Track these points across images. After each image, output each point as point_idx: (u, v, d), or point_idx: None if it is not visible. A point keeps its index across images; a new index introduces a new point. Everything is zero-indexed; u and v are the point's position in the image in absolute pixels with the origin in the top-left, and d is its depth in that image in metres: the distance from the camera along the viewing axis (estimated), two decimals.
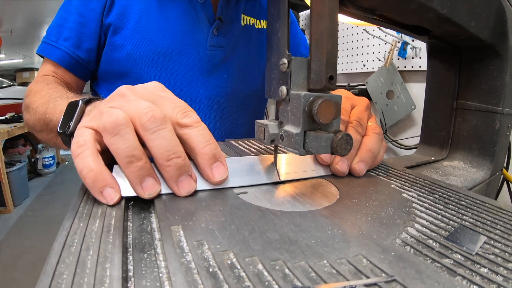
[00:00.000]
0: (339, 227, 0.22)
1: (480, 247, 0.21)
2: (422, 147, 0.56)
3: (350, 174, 0.33)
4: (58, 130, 0.33)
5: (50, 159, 3.02)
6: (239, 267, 0.16)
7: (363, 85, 1.15)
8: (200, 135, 0.25)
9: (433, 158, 0.50)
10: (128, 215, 0.23)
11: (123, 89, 0.27)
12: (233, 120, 0.67)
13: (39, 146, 3.00)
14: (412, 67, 0.92)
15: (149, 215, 0.23)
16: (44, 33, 0.56)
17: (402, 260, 0.19)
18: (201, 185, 0.25)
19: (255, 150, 0.44)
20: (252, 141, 0.51)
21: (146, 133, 0.23)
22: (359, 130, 0.33)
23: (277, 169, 0.30)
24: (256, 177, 0.28)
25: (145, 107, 0.24)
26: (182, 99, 0.67)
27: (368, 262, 0.18)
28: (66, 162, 3.44)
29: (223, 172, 0.25)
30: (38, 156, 2.95)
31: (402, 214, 0.25)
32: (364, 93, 1.15)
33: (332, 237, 0.21)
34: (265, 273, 0.16)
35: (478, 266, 0.19)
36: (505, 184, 0.53)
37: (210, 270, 0.16)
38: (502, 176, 0.48)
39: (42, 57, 0.55)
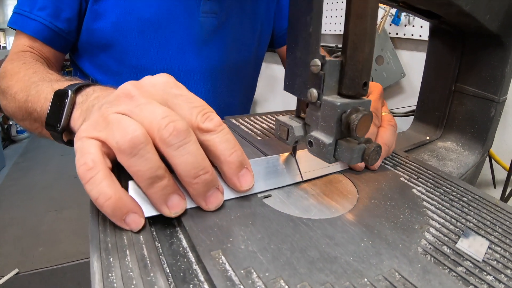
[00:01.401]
0: (369, 237, 0.23)
1: (485, 252, 0.23)
2: (416, 124, 0.57)
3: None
4: (46, 126, 0.30)
5: None
6: None
7: None
8: (225, 142, 0.23)
9: (428, 137, 0.52)
10: (152, 231, 0.22)
11: (129, 88, 0.23)
12: (228, 91, 0.64)
13: None
14: (404, 34, 0.90)
15: (175, 230, 0.22)
16: None
17: (427, 272, 0.21)
18: (227, 194, 0.25)
19: (259, 132, 0.43)
20: (252, 118, 0.49)
21: (168, 149, 0.21)
22: (376, 121, 0.33)
23: (299, 168, 0.29)
24: (279, 179, 0.28)
25: (162, 116, 0.21)
26: (174, 72, 0.61)
27: (400, 276, 0.20)
28: None
29: (250, 180, 0.25)
30: (10, 122, 2.70)
31: (417, 216, 0.26)
32: None
33: (366, 250, 0.22)
34: None
35: (485, 273, 0.21)
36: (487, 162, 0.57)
37: None
38: (487, 155, 0.51)
39: (15, 30, 0.47)
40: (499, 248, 0.24)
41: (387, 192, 0.30)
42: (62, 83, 0.33)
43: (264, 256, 0.20)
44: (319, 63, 0.23)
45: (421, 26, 0.86)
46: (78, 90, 0.30)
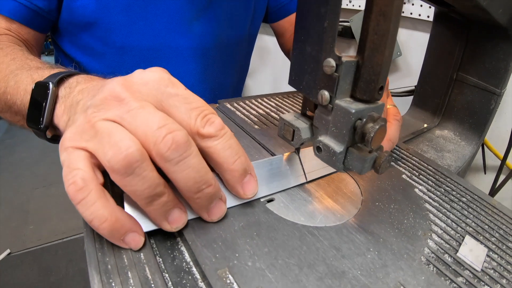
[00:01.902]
0: (374, 246, 0.23)
1: (484, 261, 0.24)
2: (414, 110, 0.57)
3: None
4: (28, 123, 0.27)
5: None
6: None
7: (347, 21, 1.08)
8: (228, 148, 0.21)
9: (425, 125, 0.52)
10: (151, 244, 0.21)
11: (118, 89, 0.20)
12: (220, 71, 0.60)
13: None
14: (403, 12, 0.86)
15: (176, 242, 0.21)
16: None
17: (430, 284, 0.21)
18: (229, 202, 0.23)
19: (255, 119, 0.41)
20: (247, 102, 0.47)
21: (167, 165, 0.19)
22: None
23: (303, 168, 0.28)
24: (282, 182, 0.27)
25: (158, 125, 0.18)
26: (162, 51, 0.57)
27: None
28: None
29: (254, 187, 0.23)
30: None
31: (420, 221, 0.26)
32: (347, 30, 1.10)
33: (372, 262, 0.21)
34: None
35: (482, 283, 0.22)
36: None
37: None
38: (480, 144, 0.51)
39: None
40: (496, 256, 0.25)
41: (390, 193, 0.29)
42: (43, 72, 0.29)
43: (273, 274, 0.19)
44: (334, 64, 0.21)
45: (421, 6, 0.82)
46: (60, 81, 0.27)
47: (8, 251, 1.06)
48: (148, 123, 0.18)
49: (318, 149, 0.24)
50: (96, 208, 0.18)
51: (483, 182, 0.61)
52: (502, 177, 0.50)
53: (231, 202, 0.23)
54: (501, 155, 0.53)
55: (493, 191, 0.50)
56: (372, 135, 0.20)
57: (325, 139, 0.23)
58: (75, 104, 0.24)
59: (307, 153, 0.29)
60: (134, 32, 0.47)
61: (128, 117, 0.19)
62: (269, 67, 1.42)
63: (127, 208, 0.20)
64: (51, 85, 0.25)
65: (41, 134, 0.27)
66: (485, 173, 0.58)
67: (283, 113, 0.45)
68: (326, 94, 0.22)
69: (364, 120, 0.20)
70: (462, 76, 0.47)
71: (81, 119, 0.20)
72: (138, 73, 0.22)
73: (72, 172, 0.18)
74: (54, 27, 0.48)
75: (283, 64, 1.20)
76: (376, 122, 0.20)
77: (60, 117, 0.25)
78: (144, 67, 0.22)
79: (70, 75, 0.27)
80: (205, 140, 0.21)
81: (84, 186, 0.18)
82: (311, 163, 0.29)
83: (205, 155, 0.21)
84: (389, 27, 0.20)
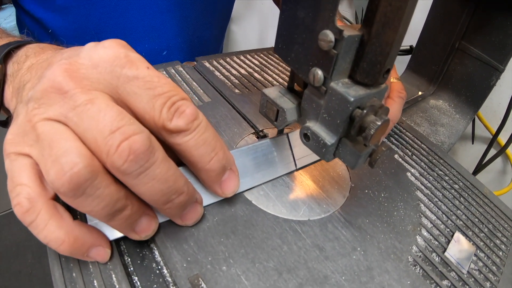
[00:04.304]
0: (361, 244, 0.21)
1: (471, 261, 0.23)
2: (409, 75, 0.53)
3: None
4: None
5: None
6: None
7: None
8: (202, 144, 0.18)
9: (420, 92, 0.49)
10: (120, 243, 0.18)
11: (59, 76, 0.15)
12: (198, 21, 0.54)
13: None
14: None
15: (146, 241, 0.19)
16: None
17: None
18: (206, 200, 0.21)
19: (236, 81, 0.37)
20: (228, 59, 0.42)
21: (125, 178, 0.15)
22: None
23: (293, 154, 0.25)
24: (269, 171, 0.24)
25: (111, 129, 0.14)
26: (133, 1, 0.49)
27: None
28: None
29: (234, 185, 0.20)
30: None
31: (411, 213, 0.25)
32: None
33: (357, 264, 0.20)
34: None
35: (467, 287, 0.22)
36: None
37: None
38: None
39: None
40: (483, 255, 0.24)
41: (381, 178, 0.27)
42: None
43: (249, 280, 0.17)
44: (332, 39, 0.17)
45: None
46: (8, 55, 0.22)
47: None
48: (98, 126, 0.14)
49: (305, 137, 0.21)
50: (50, 230, 0.15)
51: (469, 151, 0.61)
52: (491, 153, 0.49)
53: (208, 199, 0.21)
54: (492, 127, 0.52)
55: (480, 166, 0.50)
56: (372, 132, 0.17)
57: (315, 127, 0.20)
58: (22, 87, 0.20)
59: (295, 137, 0.26)
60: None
61: (74, 117, 0.15)
62: (255, 13, 1.29)
63: (89, 216, 0.17)
64: None
65: None
66: (472, 143, 0.57)
67: (267, 73, 0.40)
68: (319, 73, 0.19)
69: (365, 111, 0.17)
70: (465, 45, 0.43)
71: (23, 115, 0.16)
72: (87, 50, 0.17)
73: (15, 189, 0.15)
74: None
75: (271, 11, 1.09)
76: (378, 115, 0.17)
77: (9, 101, 0.21)
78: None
79: (19, 46, 0.23)
80: (173, 136, 0.17)
81: (31, 207, 0.15)
82: (302, 148, 0.26)
83: (175, 152, 0.18)
84: None
